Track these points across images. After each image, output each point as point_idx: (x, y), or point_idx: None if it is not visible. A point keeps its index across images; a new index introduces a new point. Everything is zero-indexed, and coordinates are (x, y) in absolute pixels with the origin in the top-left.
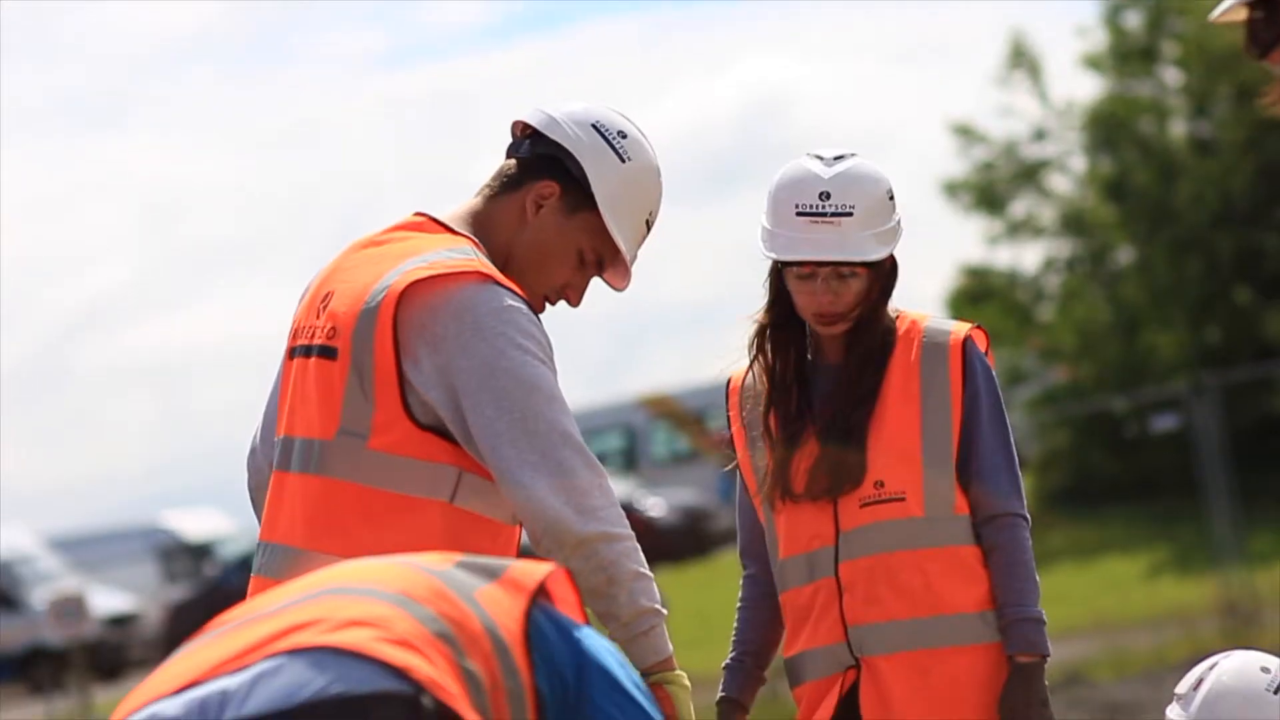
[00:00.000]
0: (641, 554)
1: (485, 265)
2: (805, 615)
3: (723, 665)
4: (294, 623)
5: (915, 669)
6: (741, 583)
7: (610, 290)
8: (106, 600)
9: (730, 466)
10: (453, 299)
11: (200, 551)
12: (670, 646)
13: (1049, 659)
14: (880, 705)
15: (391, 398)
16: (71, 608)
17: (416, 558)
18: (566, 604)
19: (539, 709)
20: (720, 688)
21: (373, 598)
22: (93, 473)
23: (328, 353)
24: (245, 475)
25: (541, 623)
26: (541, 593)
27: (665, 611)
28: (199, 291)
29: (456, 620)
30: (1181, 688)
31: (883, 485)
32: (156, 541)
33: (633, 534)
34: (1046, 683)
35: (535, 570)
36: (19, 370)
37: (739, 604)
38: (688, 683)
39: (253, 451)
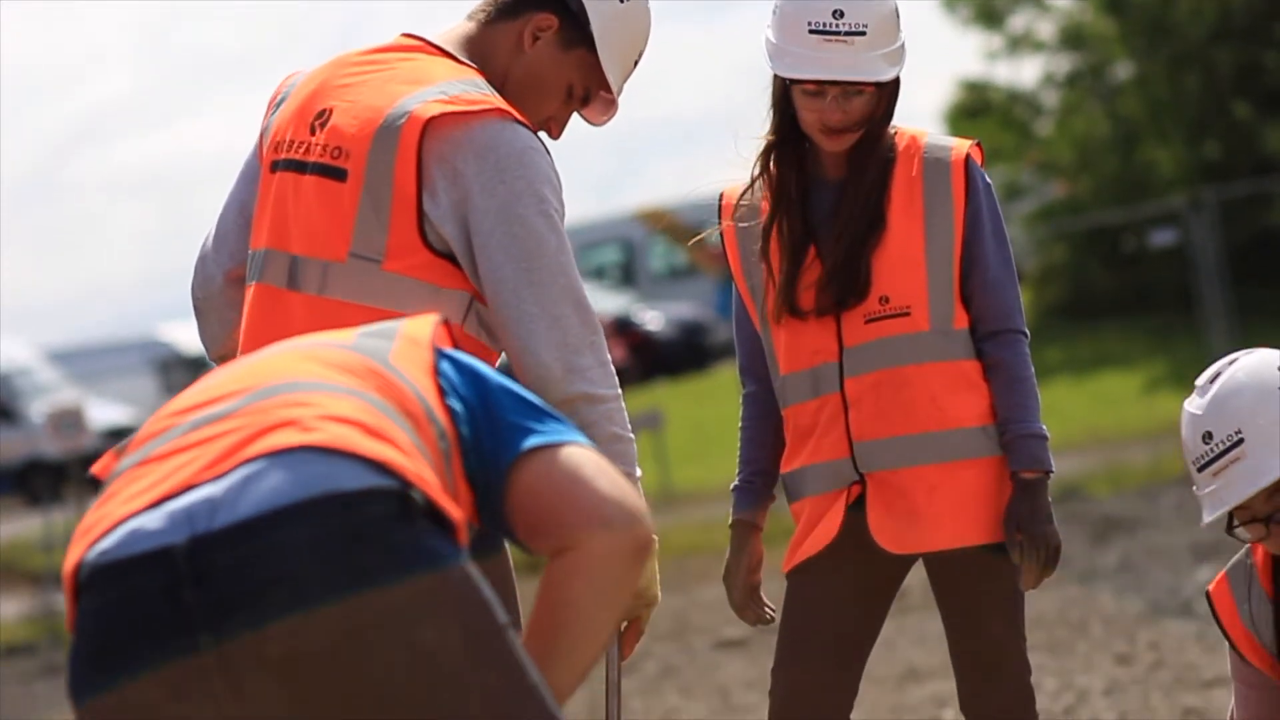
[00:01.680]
0: (625, 416)
1: (504, 103)
2: (808, 431)
3: (732, 488)
4: (266, 424)
5: (923, 483)
6: (742, 402)
7: (588, 124)
8: (104, 412)
9: (727, 271)
10: (476, 137)
11: (198, 364)
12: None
13: (1052, 474)
14: (888, 518)
15: (408, 225)
16: (70, 420)
17: (328, 336)
18: (448, 344)
19: (462, 455)
20: (732, 510)
21: (328, 392)
22: (91, 285)
23: (333, 173)
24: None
25: (444, 368)
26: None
27: (639, 474)
28: (196, 103)
29: (397, 399)
30: (1201, 380)
31: (888, 300)
32: (154, 354)
33: (619, 395)
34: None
35: (423, 322)
36: (17, 183)
37: (741, 424)
38: (656, 547)
39: (203, 259)
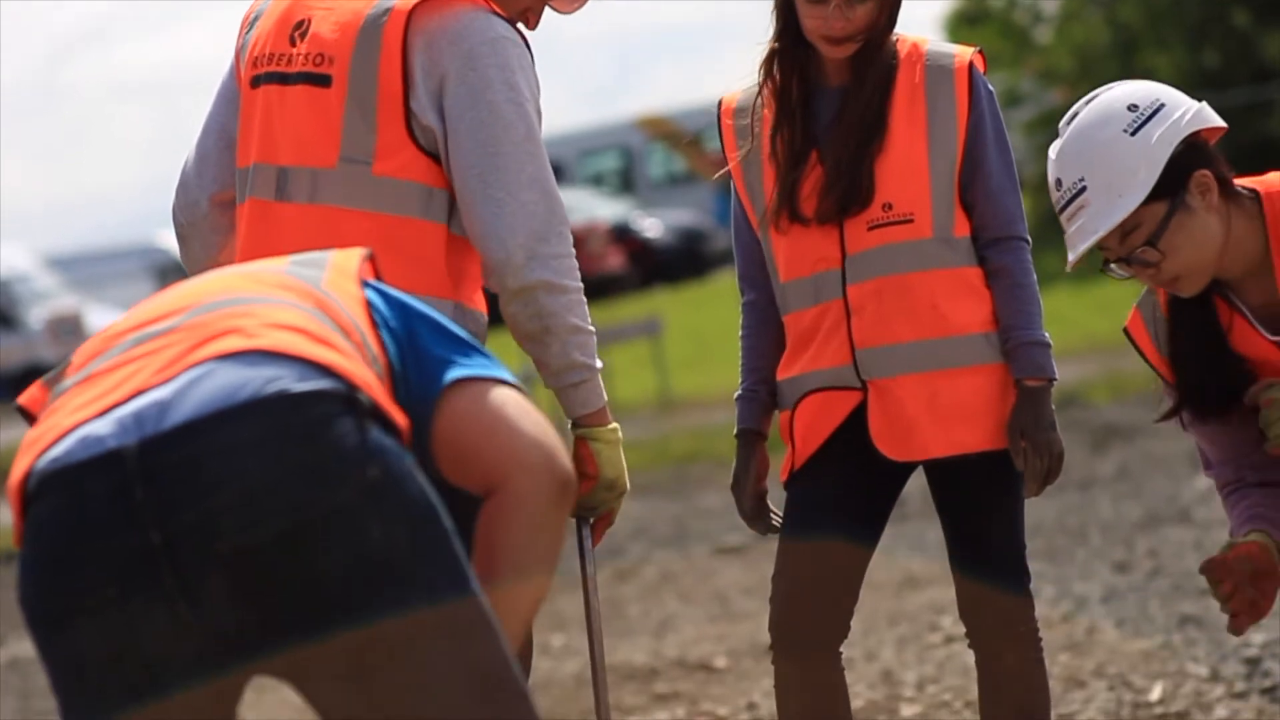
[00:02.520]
0: (586, 309)
1: None
2: (809, 338)
3: (735, 397)
4: (210, 333)
5: (924, 390)
6: (742, 310)
7: (556, 13)
8: (103, 319)
9: (723, 172)
10: (450, 26)
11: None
12: (602, 400)
13: (1054, 382)
14: (889, 425)
15: (395, 123)
16: (68, 326)
17: (262, 263)
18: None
19: (393, 384)
20: (737, 420)
21: (271, 304)
22: (90, 191)
23: (317, 80)
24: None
25: (371, 298)
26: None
27: (598, 366)
28: (197, 8)
29: (334, 319)
30: (1062, 121)
31: (891, 207)
32: (153, 260)
33: (581, 289)
34: (1053, 406)
35: (350, 255)
36: (17, 88)
37: (742, 333)
38: (617, 436)
39: (184, 184)
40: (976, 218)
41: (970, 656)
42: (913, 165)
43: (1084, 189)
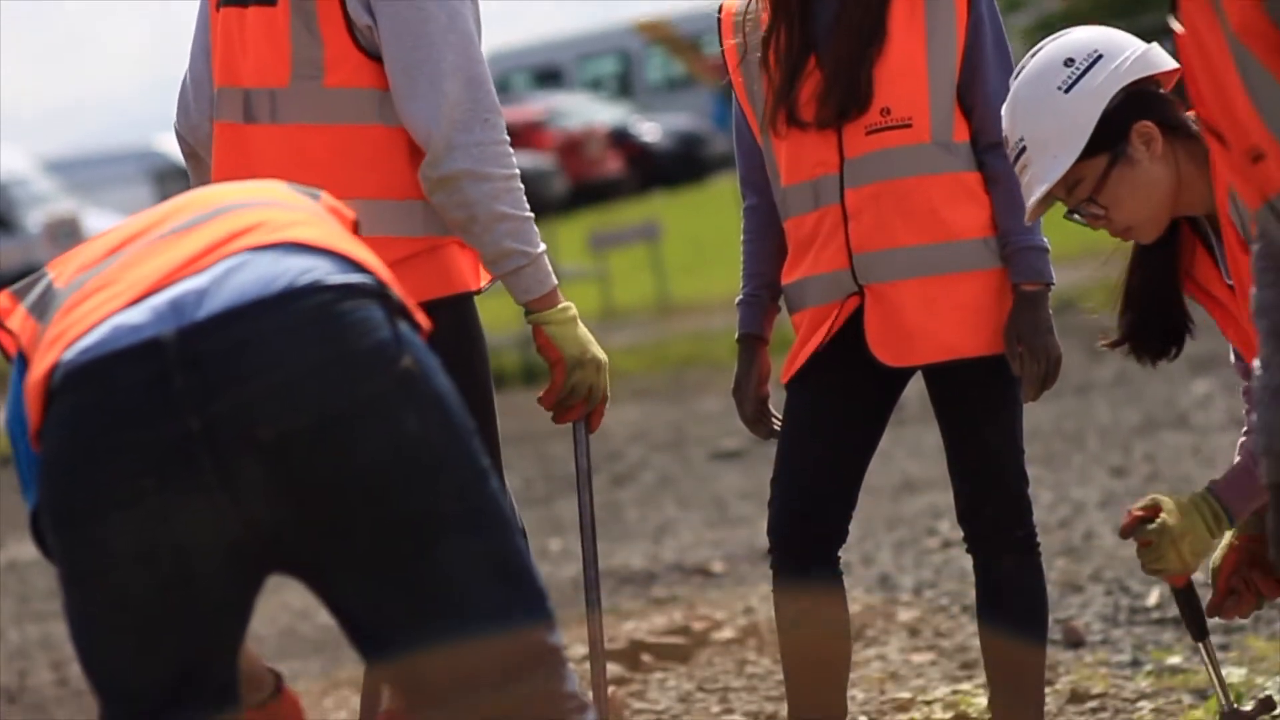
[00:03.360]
0: (520, 196)
1: None
2: (809, 243)
3: (736, 302)
4: (240, 227)
5: (921, 295)
6: (743, 215)
7: None
8: (101, 222)
9: (724, 82)
10: None
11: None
12: (549, 284)
13: (1052, 287)
14: (886, 331)
15: (338, 31)
16: (66, 230)
17: (265, 182)
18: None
19: None
20: (738, 325)
21: (285, 208)
22: (87, 95)
23: (266, 0)
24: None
25: None
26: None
27: (536, 251)
28: None
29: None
30: (1014, 72)
31: (889, 112)
32: (151, 164)
33: (513, 175)
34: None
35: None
36: None
37: (743, 238)
38: (570, 315)
39: (184, 107)
40: (975, 122)
41: (968, 561)
42: (911, 69)
43: (1024, 148)
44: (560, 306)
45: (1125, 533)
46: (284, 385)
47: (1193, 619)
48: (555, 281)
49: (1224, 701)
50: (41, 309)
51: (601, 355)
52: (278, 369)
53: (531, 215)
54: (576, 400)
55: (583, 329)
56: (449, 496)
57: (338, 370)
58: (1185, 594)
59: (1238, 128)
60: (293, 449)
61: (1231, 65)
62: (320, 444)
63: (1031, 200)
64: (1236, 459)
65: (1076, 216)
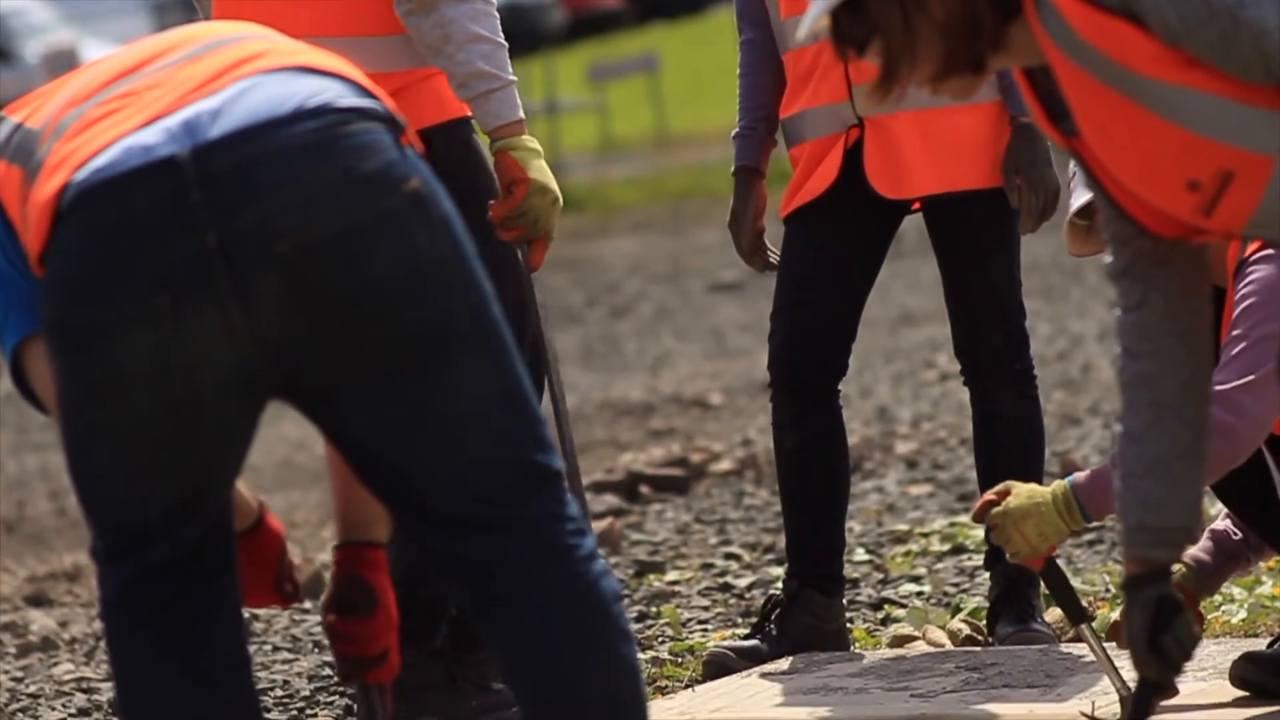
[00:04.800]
0: (496, 24)
1: None
2: (808, 75)
3: (733, 135)
4: (248, 53)
5: (920, 127)
6: (740, 49)
7: None
8: (99, 52)
9: None
10: None
11: (192, 6)
12: (518, 113)
13: None
14: (885, 163)
15: None
16: (64, 60)
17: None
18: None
19: None
20: (735, 158)
21: (295, 42)
22: None
23: None
24: None
25: None
26: None
27: (507, 76)
28: None
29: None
30: None
31: None
32: None
33: (491, 3)
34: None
35: None
36: None
37: (740, 71)
38: (537, 147)
39: None
40: None
41: (965, 394)
42: None
43: None
44: (527, 136)
45: (975, 517)
46: (299, 201)
47: (1065, 601)
48: (523, 115)
49: (1119, 685)
50: (20, 152)
51: (558, 194)
52: (292, 186)
53: (505, 45)
54: (523, 224)
55: (546, 167)
56: (460, 316)
57: (350, 188)
58: (1048, 576)
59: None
60: (309, 262)
61: (1149, 123)
62: (336, 256)
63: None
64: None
65: None
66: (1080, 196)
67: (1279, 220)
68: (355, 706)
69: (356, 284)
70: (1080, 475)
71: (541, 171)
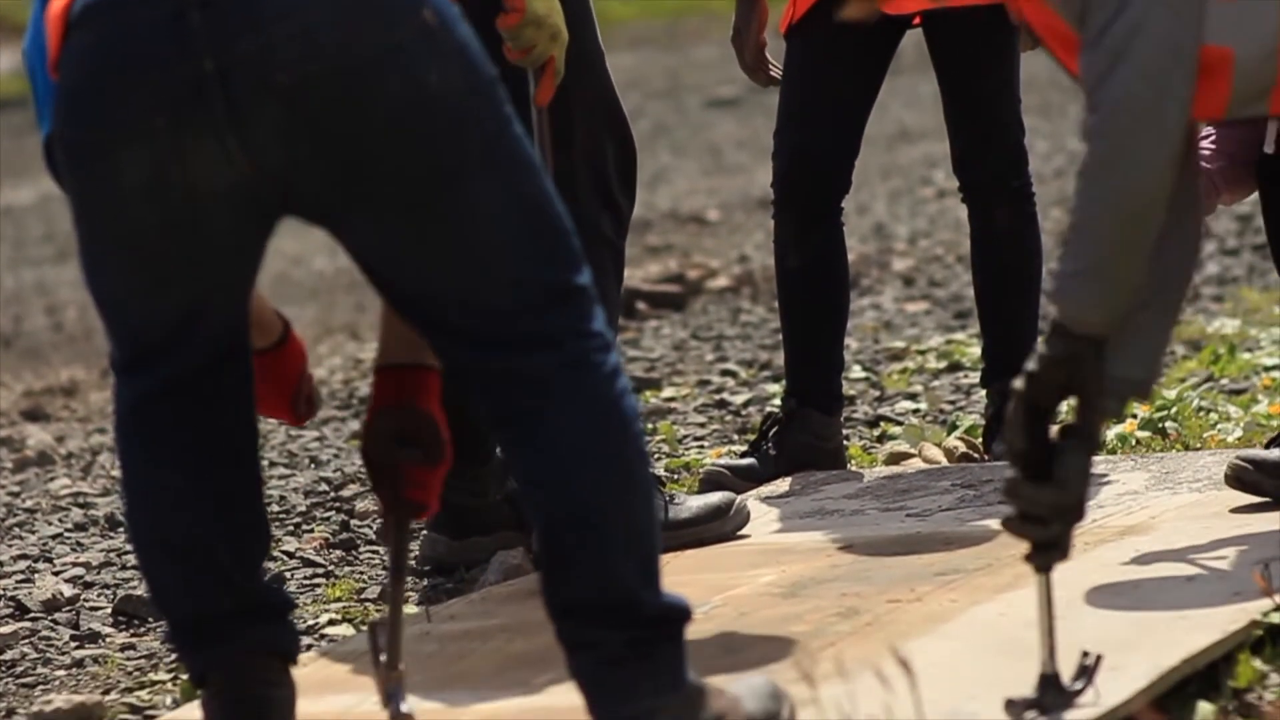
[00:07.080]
0: None
1: None
2: None
3: None
4: None
5: None
6: None
7: None
8: None
9: None
10: None
11: None
12: None
13: None
14: None
15: None
16: None
17: None
18: None
19: None
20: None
21: None
22: None
23: None
24: None
25: None
26: None
27: None
28: None
29: None
30: None
31: None
32: None
33: None
34: None
35: None
36: None
37: None
38: None
39: None
40: None
41: (962, 211)
42: None
43: None
44: None
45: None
46: (304, 30)
47: (1039, 562)
48: None
49: (1047, 659)
50: None
51: (560, 28)
52: (298, 14)
53: None
54: (523, 48)
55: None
56: (471, 145)
57: (358, 18)
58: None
59: None
60: (310, 94)
61: None
62: (340, 89)
63: None
64: None
65: None
66: None
67: None
68: (381, 536)
69: (359, 119)
70: None
71: (545, 2)
